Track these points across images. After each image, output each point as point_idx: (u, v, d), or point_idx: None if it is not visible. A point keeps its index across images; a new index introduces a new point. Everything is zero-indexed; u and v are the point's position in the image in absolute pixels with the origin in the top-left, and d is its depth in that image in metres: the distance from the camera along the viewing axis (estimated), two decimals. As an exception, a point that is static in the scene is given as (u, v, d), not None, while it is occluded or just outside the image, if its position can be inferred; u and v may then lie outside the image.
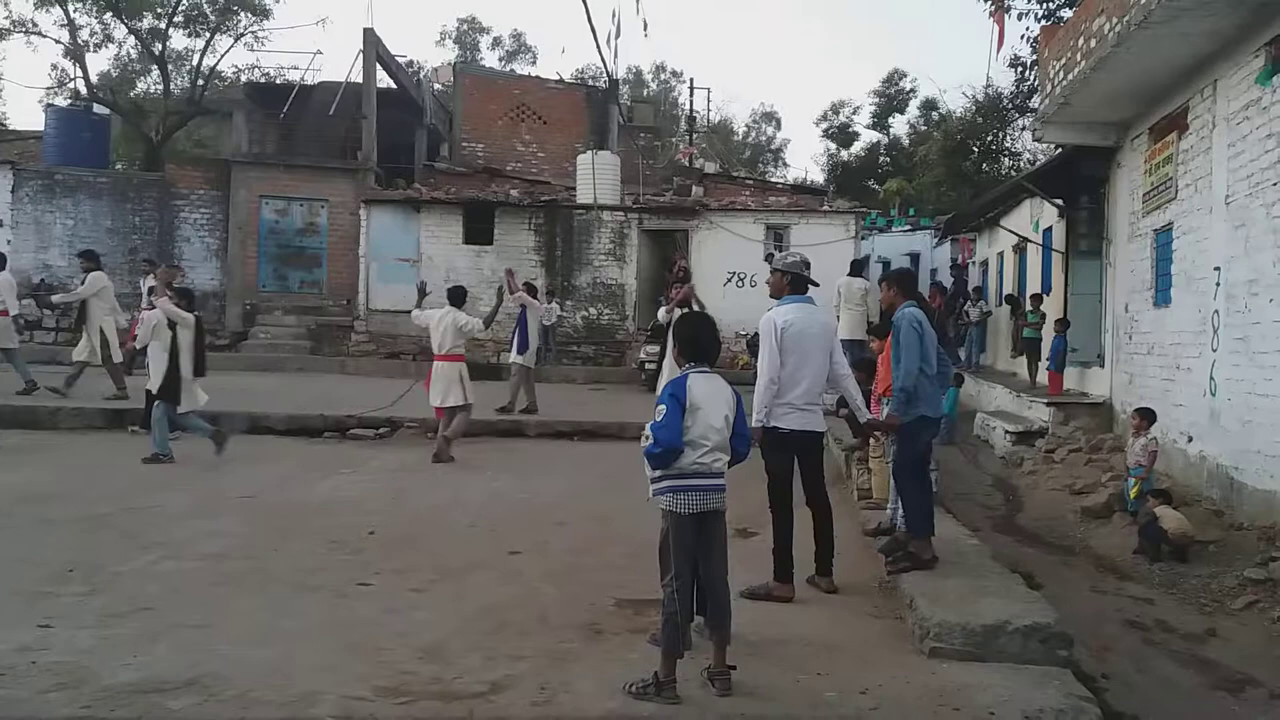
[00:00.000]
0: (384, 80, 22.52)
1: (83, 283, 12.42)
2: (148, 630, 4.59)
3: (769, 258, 15.47)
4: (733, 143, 46.78)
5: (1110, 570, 7.19)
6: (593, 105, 26.35)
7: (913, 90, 39.50)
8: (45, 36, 24.49)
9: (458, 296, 10.18)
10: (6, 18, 23.94)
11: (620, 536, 6.51)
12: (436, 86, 30.45)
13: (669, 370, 7.36)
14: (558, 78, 29.09)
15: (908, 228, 27.34)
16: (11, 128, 31.47)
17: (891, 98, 39.94)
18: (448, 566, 5.89)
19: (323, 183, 20.44)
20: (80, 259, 12.60)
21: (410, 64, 30.61)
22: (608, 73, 28.79)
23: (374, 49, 21.22)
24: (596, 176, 19.89)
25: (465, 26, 48.10)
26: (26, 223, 19.28)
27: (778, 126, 50.95)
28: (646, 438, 4.13)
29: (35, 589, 5.17)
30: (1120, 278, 11.63)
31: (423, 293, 10.30)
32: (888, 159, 39.51)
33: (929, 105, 37.03)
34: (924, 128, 36.05)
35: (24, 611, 4.78)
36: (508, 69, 40.69)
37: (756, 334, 5.81)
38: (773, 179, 34.13)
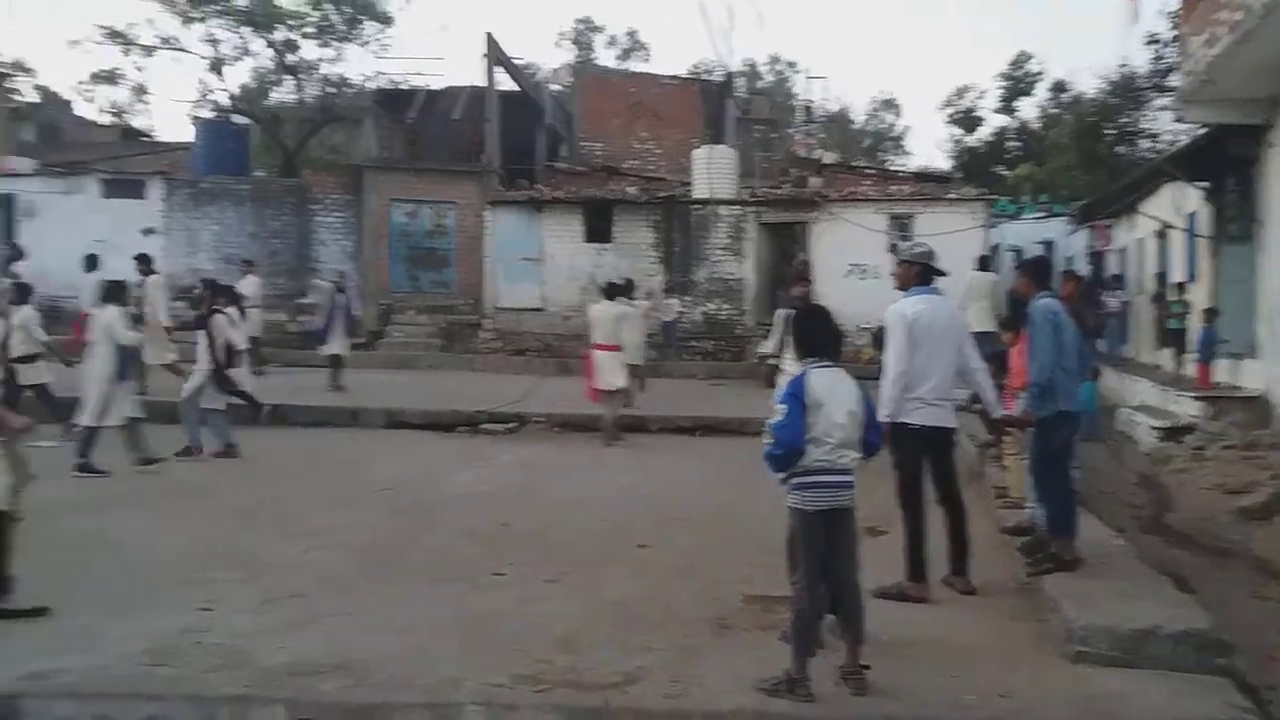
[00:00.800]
0: (505, 83, 22.99)
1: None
2: (298, 616, 4.83)
3: (892, 248, 15.15)
4: (851, 131, 45.92)
5: (1273, 575, 6.77)
6: (708, 100, 26.28)
7: (1041, 72, 37.94)
8: (189, 52, 25.91)
9: (615, 290, 11.40)
10: (155, 35, 25.40)
11: (746, 532, 6.49)
12: (555, 87, 30.92)
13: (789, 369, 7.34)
14: (672, 74, 29.14)
15: (1040, 214, 26.29)
16: (161, 140, 33.50)
17: (1019, 80, 38.47)
18: (577, 559, 6.00)
19: (449, 185, 21.00)
20: (136, 262, 13.16)
21: (529, 66, 31.18)
22: (723, 67, 28.78)
23: (495, 53, 21.68)
24: (713, 171, 19.84)
25: (581, 27, 48.69)
26: (177, 229, 20.45)
27: (898, 113, 49.75)
28: (768, 438, 4.09)
29: (196, 575, 5.50)
30: (1275, 263, 10.92)
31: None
32: (1017, 144, 38.11)
33: (1059, 87, 35.51)
34: (1054, 110, 34.62)
35: (186, 596, 5.09)
36: (623, 67, 40.99)
37: (882, 327, 5.70)
38: (894, 167, 33.35)
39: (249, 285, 14.98)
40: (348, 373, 13.88)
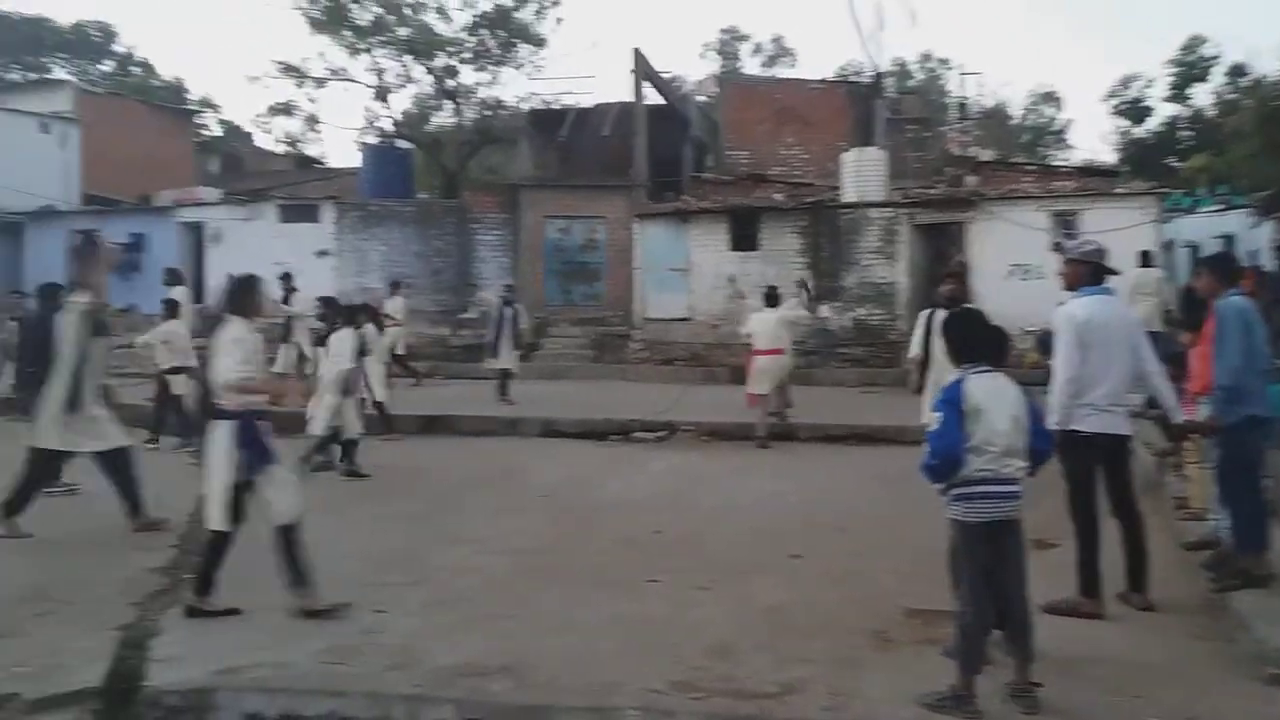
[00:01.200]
0: (652, 97, 23.28)
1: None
2: (465, 618, 5.04)
3: (1056, 247, 14.47)
4: (1009, 127, 44.13)
5: None
6: (856, 102, 25.80)
7: (1216, 56, 35.46)
8: (356, 82, 27.40)
9: (773, 297, 11.84)
10: (325, 68, 26.98)
11: (903, 543, 6.34)
12: (701, 98, 31.07)
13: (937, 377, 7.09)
14: (819, 78, 28.77)
15: (1218, 207, 24.56)
16: (332, 166, 35.51)
17: (1191, 66, 36.05)
18: (730, 567, 6.01)
19: (599, 200, 21.42)
20: (280, 281, 13.92)
21: (675, 79, 31.48)
22: (872, 67, 28.23)
23: (642, 68, 21.99)
24: (862, 174, 19.46)
25: (727, 37, 48.74)
26: (348, 251, 21.63)
27: (1059, 107, 47.49)
28: (926, 447, 3.99)
29: (370, 579, 5.80)
30: None
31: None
32: (1189, 133, 35.73)
33: (1237, 71, 33.07)
34: (1232, 96, 32.28)
35: (363, 598, 5.37)
36: (769, 74, 40.77)
37: (1048, 330, 5.45)
38: (1056, 162, 31.86)
39: (395, 305, 16.01)
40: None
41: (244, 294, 5.37)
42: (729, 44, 48.61)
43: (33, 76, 35.89)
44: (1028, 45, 75.29)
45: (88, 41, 41.62)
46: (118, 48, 42.74)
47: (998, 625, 3.98)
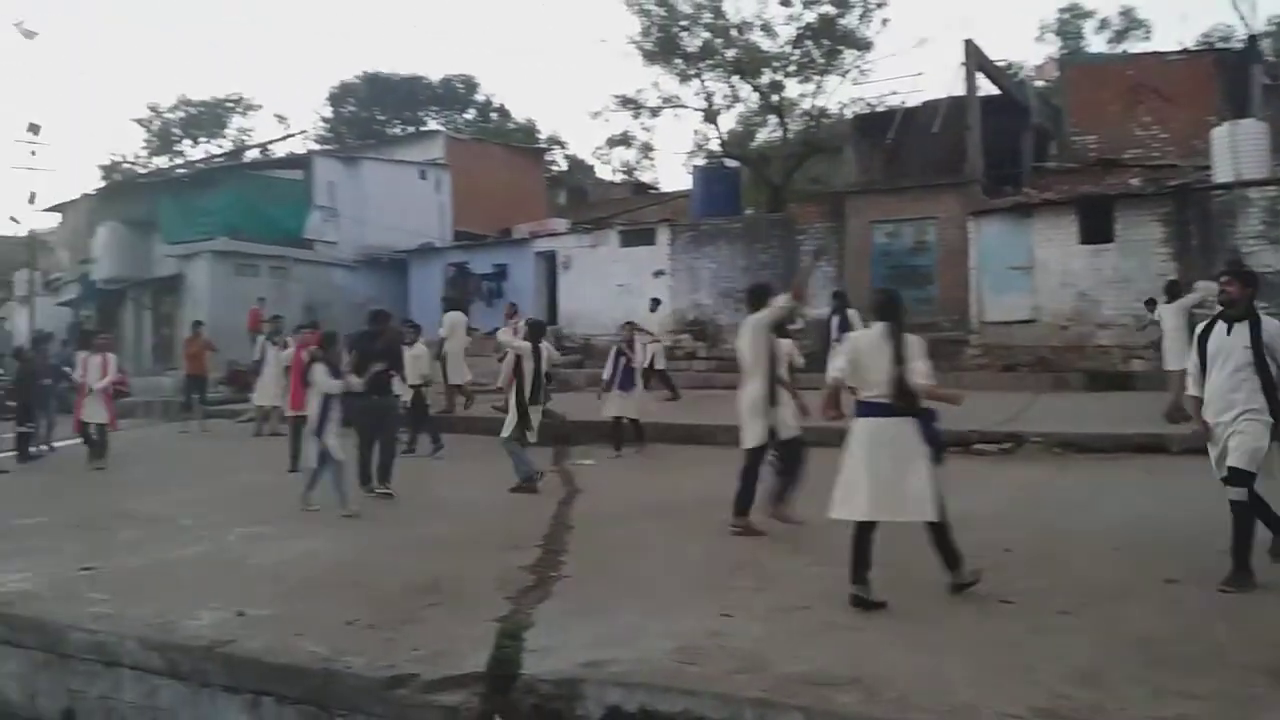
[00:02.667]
0: (985, 88, 22.14)
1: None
2: (810, 627, 5.07)
3: None
4: None
5: None
6: (1225, 71, 22.87)
7: None
8: (686, 107, 28.58)
9: (1175, 288, 11.96)
10: (659, 97, 28.41)
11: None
12: (1039, 84, 29.06)
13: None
14: (1179, 49, 25.88)
15: None
16: (664, 190, 37.25)
17: None
18: (1093, 589, 5.57)
19: (930, 200, 20.69)
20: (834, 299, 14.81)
21: (1009, 66, 29.70)
22: (1244, 30, 24.92)
23: (974, 59, 21.00)
24: (1238, 149, 17.20)
25: (1066, 16, 45.16)
26: (681, 270, 22.58)
27: None
28: None
29: (715, 583, 6.02)
30: None
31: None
32: None
33: None
34: None
35: (709, 602, 5.59)
36: (1118, 51, 37.25)
37: None
38: None
39: (653, 322, 16.95)
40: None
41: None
42: (1069, 23, 44.98)
43: (410, 130, 40.99)
44: None
45: (454, 93, 46.86)
46: (479, 97, 47.73)
47: None
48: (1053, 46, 42.84)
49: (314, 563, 7.02)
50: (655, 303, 18.62)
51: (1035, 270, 18.47)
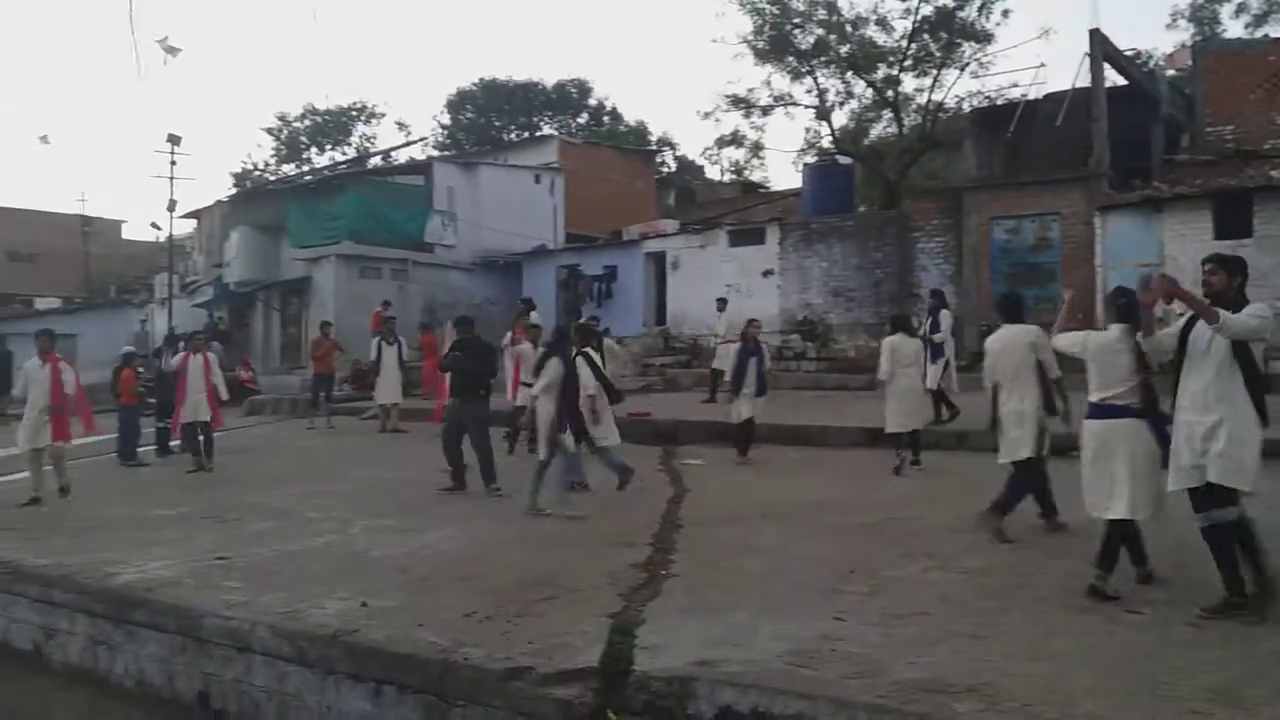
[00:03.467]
0: (1112, 78, 21.24)
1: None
2: (925, 633, 4.97)
3: None
4: None
5: None
6: (1387, 50, 21.38)
7: None
8: (799, 105, 28.27)
9: None
10: (770, 95, 28.16)
11: None
12: (1170, 73, 27.70)
13: None
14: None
15: None
16: (774, 189, 36.95)
17: None
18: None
19: (1052, 196, 19.95)
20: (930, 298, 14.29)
21: (1138, 55, 28.43)
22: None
23: (1100, 49, 20.15)
24: (1395, 137, 16.07)
25: (1201, 1, 42.85)
26: (791, 269, 22.35)
27: None
28: None
29: (826, 586, 5.95)
30: None
31: None
32: None
33: None
34: None
35: (820, 605, 5.53)
36: (1259, 35, 35.15)
37: None
38: None
39: (721, 322, 16.48)
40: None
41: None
42: (1204, 8, 42.65)
43: (525, 135, 41.78)
44: None
45: (568, 98, 47.51)
46: (591, 100, 48.26)
47: None
48: (1185, 33, 40.73)
49: (434, 556, 7.23)
50: (722, 303, 18.34)
51: (1166, 267, 17.60)
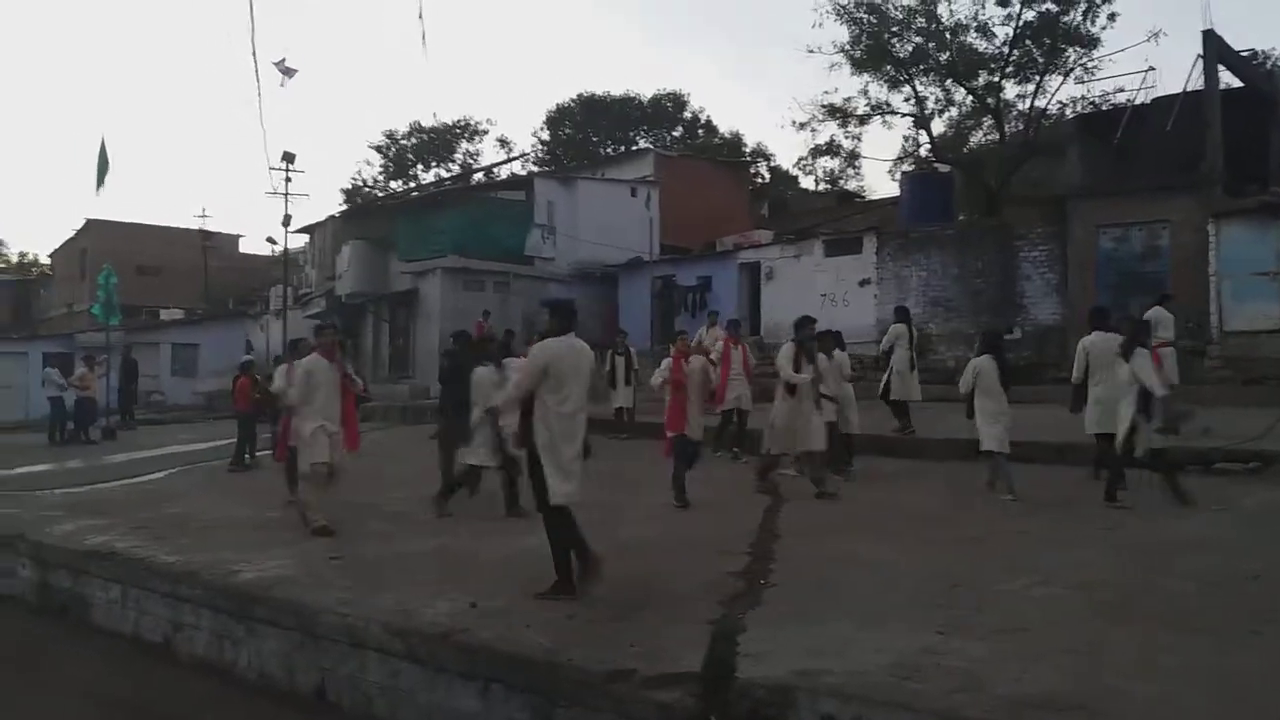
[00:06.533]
0: (1227, 80, 20.41)
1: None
2: (1029, 649, 4.91)
3: None
4: None
5: None
6: None
7: None
8: (897, 113, 27.88)
9: None
10: (867, 104, 27.84)
11: None
12: (1292, 73, 26.45)
13: None
14: None
15: None
16: (871, 199, 36.50)
17: None
18: (1357, 627, 5.08)
19: (1162, 203, 19.28)
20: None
21: (1255, 55, 27.19)
22: None
23: (1214, 50, 19.41)
24: None
25: (1328, -8, 40.77)
26: (888, 278, 22.10)
27: None
28: None
29: (929, 599, 5.91)
30: None
31: None
32: None
33: None
34: None
35: (923, 618, 5.50)
36: (1393, 27, 33.24)
37: None
38: None
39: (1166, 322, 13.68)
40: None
41: None
42: (1331, 2, 40.60)
43: (621, 149, 42.23)
44: None
45: (663, 112, 47.86)
46: (686, 114, 48.51)
47: None
48: (1311, 30, 38.80)
49: (539, 558, 7.40)
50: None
51: (1284, 277, 16.85)
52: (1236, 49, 21.29)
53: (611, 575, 6.66)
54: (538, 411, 6.18)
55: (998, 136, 27.21)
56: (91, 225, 43.72)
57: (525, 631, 5.52)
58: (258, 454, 15.04)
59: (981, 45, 25.75)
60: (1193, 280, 18.29)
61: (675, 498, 9.66)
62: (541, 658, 5.18)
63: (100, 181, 24.45)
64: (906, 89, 26.75)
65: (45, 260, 56.47)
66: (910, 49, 26.01)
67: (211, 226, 48.73)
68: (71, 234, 47.71)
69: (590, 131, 47.05)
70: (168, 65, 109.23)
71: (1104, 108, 24.07)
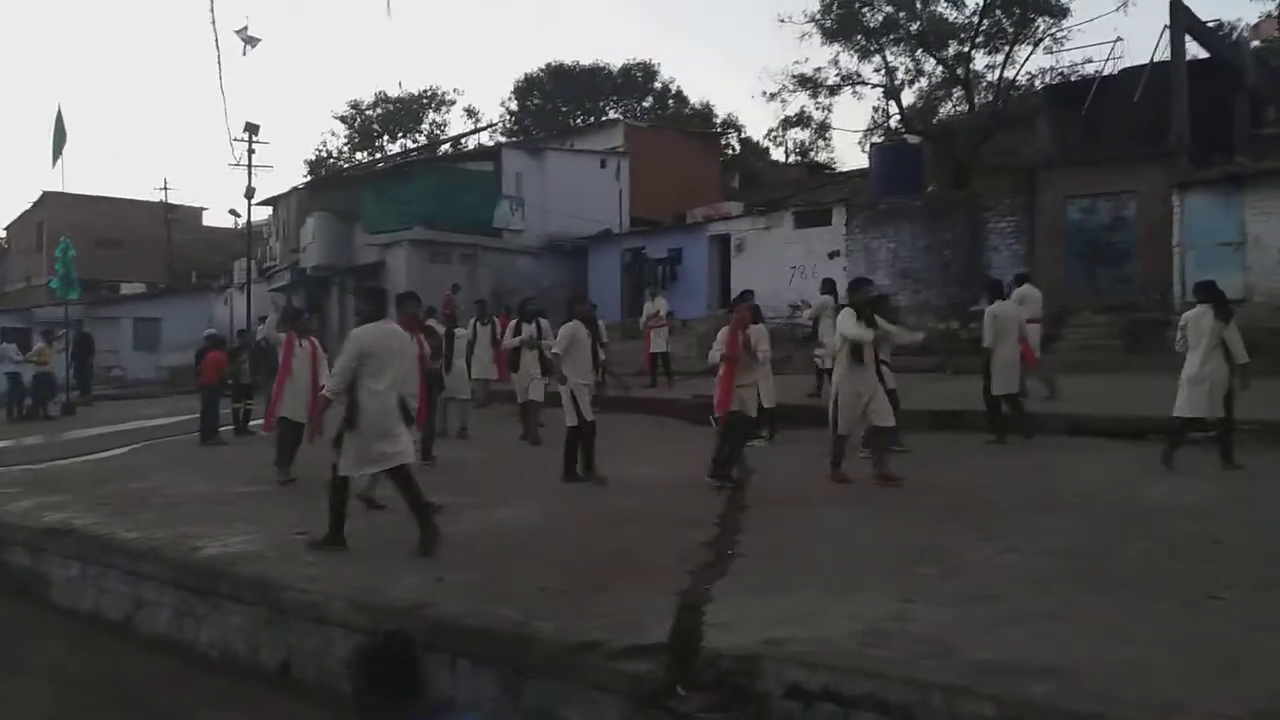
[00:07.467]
0: (1194, 51, 20.51)
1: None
2: (999, 615, 4.91)
3: None
4: None
5: None
6: None
7: None
8: (867, 84, 27.82)
9: None
10: (837, 74, 27.75)
11: None
12: (1256, 44, 26.68)
13: None
14: None
15: None
16: (840, 170, 36.48)
17: None
18: (1319, 589, 5.14)
19: (1128, 174, 19.41)
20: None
21: (1221, 26, 27.36)
22: None
23: (1182, 20, 19.48)
24: None
25: (1292, -37, 41.03)
26: (857, 250, 22.12)
27: None
28: None
29: (897, 567, 5.91)
30: None
31: None
32: None
33: None
34: None
35: (891, 585, 5.49)
36: (1356, -1, 33.52)
37: None
38: None
39: (1033, 299, 13.85)
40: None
41: None
42: (1295, -26, 40.88)
43: (591, 120, 41.84)
44: None
45: (633, 82, 47.43)
46: (657, 84, 48.12)
47: None
48: (1272, 3, 39.10)
49: (508, 532, 7.36)
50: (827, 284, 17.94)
51: (1248, 246, 17.03)
52: (1203, 20, 21.40)
53: (583, 548, 6.62)
54: (357, 393, 6.80)
55: (967, 107, 27.26)
56: (48, 197, 42.85)
57: (493, 605, 5.46)
58: (251, 426, 14.77)
59: (951, 15, 25.79)
60: (1158, 251, 18.45)
61: (717, 477, 8.98)
62: (510, 631, 5.12)
63: (57, 153, 23.94)
64: (877, 59, 26.74)
65: (1, 233, 55.30)
66: (881, 18, 25.95)
67: (175, 199, 47.88)
68: (28, 206, 46.71)
69: (559, 102, 46.56)
70: (127, 34, 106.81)
71: (1072, 79, 24.16)
